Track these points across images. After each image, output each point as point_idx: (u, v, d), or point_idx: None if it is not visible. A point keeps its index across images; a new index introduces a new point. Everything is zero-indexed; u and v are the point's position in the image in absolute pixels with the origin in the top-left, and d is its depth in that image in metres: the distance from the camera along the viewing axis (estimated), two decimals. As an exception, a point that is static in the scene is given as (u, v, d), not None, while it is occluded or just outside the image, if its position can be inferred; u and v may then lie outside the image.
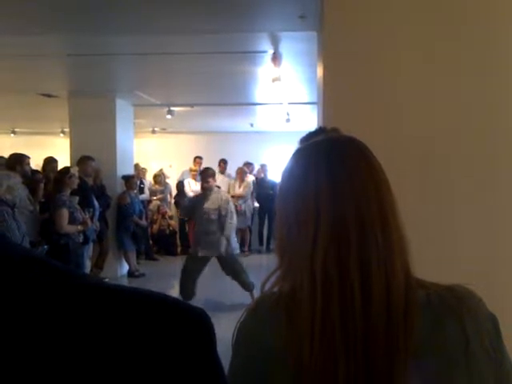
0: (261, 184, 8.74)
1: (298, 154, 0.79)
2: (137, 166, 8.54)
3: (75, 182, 4.91)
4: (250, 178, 8.60)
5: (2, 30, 3.33)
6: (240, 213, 7.62)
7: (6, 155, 5.21)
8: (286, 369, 0.67)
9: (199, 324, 0.46)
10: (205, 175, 5.11)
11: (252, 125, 9.95)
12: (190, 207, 5.52)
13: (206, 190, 5.06)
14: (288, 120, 8.26)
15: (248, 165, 8.97)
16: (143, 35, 3.69)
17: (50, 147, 10.09)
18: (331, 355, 0.67)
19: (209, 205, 4.99)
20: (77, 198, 4.95)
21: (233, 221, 5.05)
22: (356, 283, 0.68)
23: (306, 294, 0.69)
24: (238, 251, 5.25)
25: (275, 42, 3.86)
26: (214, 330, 0.46)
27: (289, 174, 0.78)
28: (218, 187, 5.67)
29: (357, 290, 0.68)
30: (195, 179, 8.39)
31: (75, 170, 5.00)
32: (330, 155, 0.75)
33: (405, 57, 1.61)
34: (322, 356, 0.67)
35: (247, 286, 4.94)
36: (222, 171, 8.72)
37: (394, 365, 0.67)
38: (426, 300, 0.71)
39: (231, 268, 4.99)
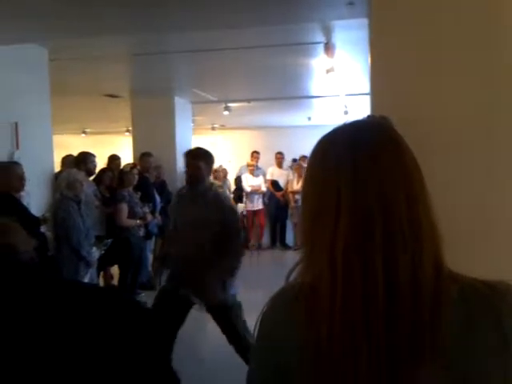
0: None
1: (323, 140, 0.75)
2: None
3: (135, 178, 5.10)
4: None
5: (69, 32, 3.52)
6: (298, 208, 7.58)
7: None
8: (305, 361, 0.65)
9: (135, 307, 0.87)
10: (190, 157, 2.98)
11: (309, 118, 9.85)
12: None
13: (191, 186, 2.97)
14: (346, 112, 8.10)
15: (304, 158, 8.88)
16: (199, 31, 3.76)
17: (117, 145, 10.60)
18: (351, 349, 0.63)
19: (196, 213, 2.88)
20: (138, 194, 5.16)
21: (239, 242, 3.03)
22: (379, 273, 0.63)
23: (326, 285, 0.66)
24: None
25: (328, 32, 3.78)
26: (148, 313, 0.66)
27: (312, 161, 0.75)
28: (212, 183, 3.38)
29: (380, 281, 0.63)
30: (252, 174, 8.46)
31: (128, 167, 5.19)
32: (353, 139, 0.71)
33: (459, 40, 1.51)
34: (341, 349, 0.63)
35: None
36: (280, 164, 8.70)
37: (420, 365, 0.62)
38: (459, 295, 0.65)
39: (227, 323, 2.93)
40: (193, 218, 2.88)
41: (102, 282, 5.28)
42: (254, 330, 0.73)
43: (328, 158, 0.71)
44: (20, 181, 3.50)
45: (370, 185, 0.67)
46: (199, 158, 2.94)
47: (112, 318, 0.92)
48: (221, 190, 8.73)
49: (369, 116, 0.84)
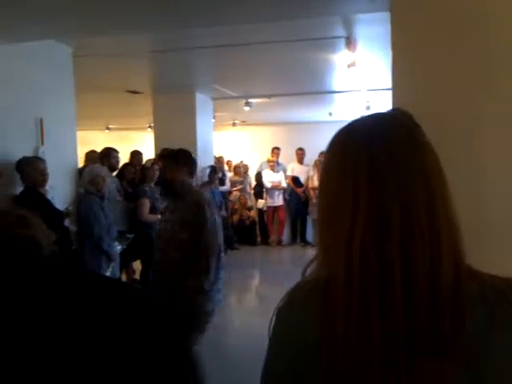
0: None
1: (339, 134, 0.74)
2: (220, 159, 8.79)
3: (156, 174, 5.16)
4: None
5: (92, 30, 3.57)
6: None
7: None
8: (319, 355, 0.65)
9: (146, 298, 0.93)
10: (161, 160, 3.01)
11: (331, 114, 9.76)
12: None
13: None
14: (368, 107, 7.99)
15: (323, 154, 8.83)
16: (220, 27, 3.76)
17: (140, 141, 10.73)
18: (367, 345, 0.62)
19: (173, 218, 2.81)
20: (159, 189, 5.21)
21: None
22: (397, 270, 0.62)
23: (342, 281, 0.65)
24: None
25: (349, 27, 3.73)
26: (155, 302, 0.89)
27: (328, 155, 0.74)
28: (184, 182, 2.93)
29: (397, 278, 0.62)
30: (273, 170, 8.46)
31: (149, 162, 5.24)
32: (370, 133, 0.69)
33: (483, 33, 1.47)
34: (356, 345, 0.63)
35: None
36: (300, 160, 8.67)
37: (438, 362, 0.60)
38: (480, 294, 0.63)
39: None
40: (165, 218, 2.99)
41: (124, 277, 5.36)
42: (270, 324, 0.73)
43: (345, 153, 0.70)
44: (41, 176, 3.58)
45: (388, 180, 0.66)
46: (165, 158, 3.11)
47: (124, 309, 0.94)
48: (241, 186, 8.65)
49: (392, 109, 0.83)
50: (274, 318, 0.73)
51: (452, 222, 0.66)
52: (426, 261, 0.63)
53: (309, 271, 0.72)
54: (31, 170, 3.54)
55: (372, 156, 0.67)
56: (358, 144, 0.69)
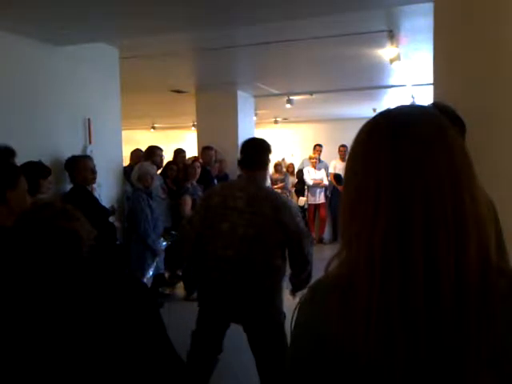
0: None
1: (365, 128, 0.72)
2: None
3: (197, 172, 5.24)
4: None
5: (136, 31, 3.67)
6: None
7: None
8: (340, 354, 0.64)
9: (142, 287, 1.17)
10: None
11: (375, 110, 9.56)
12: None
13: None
14: (413, 103, 7.78)
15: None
16: (261, 24, 3.77)
17: (184, 139, 10.93)
18: (389, 341, 0.61)
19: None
20: (201, 186, 5.29)
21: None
22: (419, 266, 0.61)
23: (363, 276, 0.64)
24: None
25: (392, 20, 3.64)
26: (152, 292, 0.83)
27: (353, 150, 0.73)
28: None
29: (420, 274, 0.61)
30: (315, 167, 8.39)
31: (190, 160, 5.32)
32: (395, 126, 0.67)
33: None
34: (377, 340, 0.62)
35: None
36: (343, 157, 8.54)
37: (463, 366, 0.59)
38: (510, 290, 0.61)
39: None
40: None
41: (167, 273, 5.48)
42: (292, 318, 0.73)
43: (369, 147, 0.69)
44: (92, 174, 3.72)
45: (412, 172, 0.64)
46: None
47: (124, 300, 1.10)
48: (282, 184, 8.54)
49: (433, 103, 0.80)
50: (296, 312, 0.73)
51: (479, 217, 0.63)
52: (450, 260, 0.61)
53: (332, 266, 0.72)
54: (82, 168, 3.68)
55: (397, 150, 0.65)
56: (383, 138, 0.67)
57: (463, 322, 0.60)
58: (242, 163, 2.60)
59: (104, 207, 3.84)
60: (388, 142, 0.67)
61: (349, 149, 0.76)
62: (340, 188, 8.30)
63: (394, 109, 0.73)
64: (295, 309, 0.74)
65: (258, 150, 2.60)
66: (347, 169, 0.73)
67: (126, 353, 1.04)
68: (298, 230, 2.44)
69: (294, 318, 0.73)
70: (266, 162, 2.62)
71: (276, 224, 2.39)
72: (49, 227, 1.08)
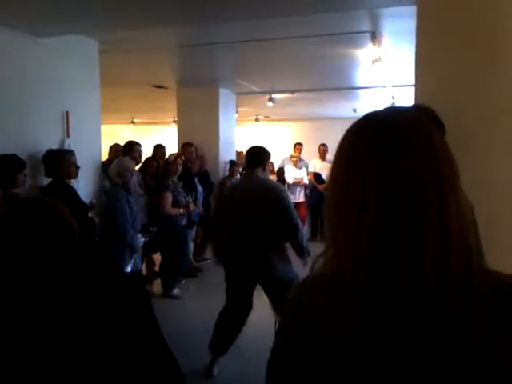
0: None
1: (351, 128, 0.73)
2: (240, 154, 8.79)
3: (179, 168, 5.19)
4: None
5: (118, 24, 3.61)
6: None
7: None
8: (326, 347, 0.65)
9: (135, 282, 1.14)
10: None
11: (355, 110, 9.65)
12: None
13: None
14: (393, 104, 7.88)
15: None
16: (244, 22, 3.76)
17: (164, 135, 10.82)
18: (374, 337, 0.62)
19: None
20: (181, 183, 5.25)
21: None
22: (404, 266, 0.61)
23: (349, 275, 0.64)
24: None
25: (375, 21, 3.67)
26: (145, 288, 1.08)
27: (339, 150, 0.73)
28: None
29: (405, 274, 0.61)
30: (295, 165, 8.42)
31: (173, 156, 5.28)
32: (381, 127, 0.68)
33: (510, 29, 1.43)
34: (363, 337, 0.62)
35: None
36: (323, 157, 8.60)
37: (446, 368, 0.59)
38: (494, 294, 0.61)
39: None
40: None
41: (144, 268, 5.44)
42: (277, 317, 0.73)
43: (355, 147, 0.69)
44: (75, 168, 3.66)
45: (399, 173, 0.64)
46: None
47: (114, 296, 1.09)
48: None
49: (413, 105, 0.81)
50: (282, 310, 0.74)
51: (464, 222, 0.64)
52: (435, 259, 0.62)
53: (318, 265, 0.72)
54: (66, 162, 3.61)
55: (382, 151, 0.66)
56: (369, 139, 0.68)
57: (446, 322, 0.61)
58: (246, 164, 3.53)
59: (84, 202, 3.78)
60: (373, 142, 0.67)
61: (333, 150, 0.76)
62: (320, 187, 8.36)
63: (380, 111, 0.73)
64: (281, 307, 0.74)
65: (257, 152, 3.53)
66: (333, 169, 0.73)
67: (121, 349, 1.03)
68: (286, 203, 3.22)
69: (280, 312, 0.74)
70: (263, 161, 3.46)
71: (270, 201, 3.14)
72: (63, 226, 1.08)
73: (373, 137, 0.68)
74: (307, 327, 0.68)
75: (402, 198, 0.63)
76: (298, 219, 3.31)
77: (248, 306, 3.38)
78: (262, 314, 3.39)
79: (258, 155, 3.50)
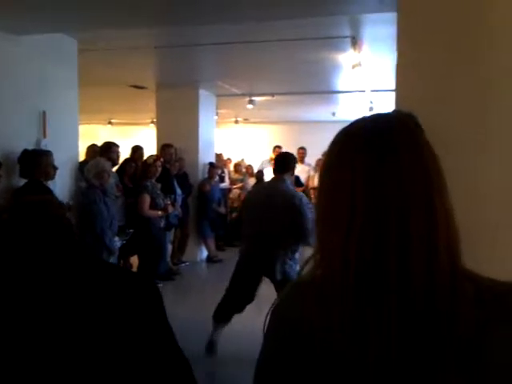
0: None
1: (340, 134, 0.73)
2: (220, 157, 8.77)
3: (158, 170, 5.15)
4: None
5: (97, 23, 3.56)
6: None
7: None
8: (314, 351, 0.65)
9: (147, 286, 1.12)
10: None
11: (334, 114, 9.75)
12: None
13: None
14: (371, 108, 7.98)
15: (327, 154, 8.80)
16: (224, 24, 3.75)
17: (142, 136, 10.72)
18: (362, 340, 0.63)
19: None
20: (159, 185, 5.20)
21: None
22: (392, 267, 0.62)
23: (338, 277, 0.65)
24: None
25: (355, 27, 3.72)
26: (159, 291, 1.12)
27: (327, 156, 0.74)
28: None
29: (393, 276, 0.62)
30: (274, 168, 8.41)
31: (152, 158, 5.24)
32: (370, 133, 0.69)
33: (488, 35, 1.46)
34: (351, 340, 0.63)
35: None
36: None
37: (436, 368, 0.60)
38: (476, 296, 0.63)
39: None
40: None
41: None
42: (266, 319, 0.73)
43: (343, 153, 0.70)
44: (53, 169, 3.59)
45: (386, 182, 0.65)
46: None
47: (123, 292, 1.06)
48: (241, 184, 8.74)
49: (394, 111, 0.82)
50: (270, 313, 0.73)
51: (451, 226, 0.66)
52: (422, 260, 0.63)
53: (306, 269, 0.72)
54: (44, 163, 3.53)
55: (370, 157, 0.67)
56: (356, 144, 0.68)
57: (435, 322, 0.61)
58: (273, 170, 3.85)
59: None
60: (362, 149, 0.68)
61: (312, 153, 0.76)
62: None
63: (368, 117, 0.74)
64: (269, 310, 0.73)
65: (283, 158, 3.85)
66: (322, 175, 0.74)
67: (132, 353, 1.00)
68: (301, 209, 3.45)
69: (268, 318, 0.73)
70: (291, 167, 3.73)
71: (288, 208, 3.43)
72: (64, 225, 1.06)
73: (362, 141, 0.68)
74: (297, 328, 0.68)
75: (391, 201, 0.64)
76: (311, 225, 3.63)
77: (250, 297, 3.62)
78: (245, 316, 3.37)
79: (284, 161, 3.78)
